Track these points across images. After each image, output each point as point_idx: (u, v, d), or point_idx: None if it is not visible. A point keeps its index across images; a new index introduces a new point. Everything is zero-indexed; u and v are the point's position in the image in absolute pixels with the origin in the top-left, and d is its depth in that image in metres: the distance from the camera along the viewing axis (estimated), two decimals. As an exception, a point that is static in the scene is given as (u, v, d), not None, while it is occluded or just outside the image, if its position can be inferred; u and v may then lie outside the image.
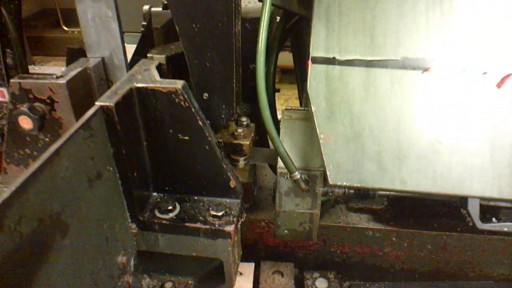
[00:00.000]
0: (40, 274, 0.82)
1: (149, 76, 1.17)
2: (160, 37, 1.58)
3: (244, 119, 1.36)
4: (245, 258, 1.80)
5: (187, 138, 1.17)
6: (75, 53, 1.45)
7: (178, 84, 1.10)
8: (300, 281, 1.84)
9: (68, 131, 0.91)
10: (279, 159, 1.26)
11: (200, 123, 1.14)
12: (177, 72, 1.34)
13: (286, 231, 1.37)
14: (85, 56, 1.42)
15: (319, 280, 1.80)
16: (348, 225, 1.78)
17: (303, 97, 1.63)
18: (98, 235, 1.04)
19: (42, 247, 0.82)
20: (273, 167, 1.72)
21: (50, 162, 0.83)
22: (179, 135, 1.16)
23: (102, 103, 1.02)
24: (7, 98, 1.39)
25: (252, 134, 1.34)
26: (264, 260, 1.90)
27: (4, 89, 1.38)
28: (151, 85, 1.11)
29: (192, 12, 1.14)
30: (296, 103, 4.67)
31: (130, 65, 1.37)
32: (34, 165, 0.79)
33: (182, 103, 1.11)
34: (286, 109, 1.36)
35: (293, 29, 1.63)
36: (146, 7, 3.50)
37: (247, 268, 1.85)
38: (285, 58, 1.94)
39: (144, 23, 3.45)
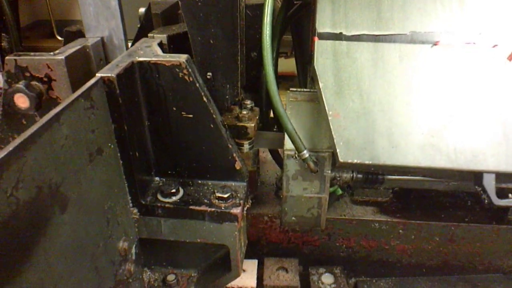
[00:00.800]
0: (37, 249, 0.75)
1: (151, 51, 1.13)
2: (160, 23, 1.54)
3: (248, 102, 1.32)
4: (247, 255, 1.74)
5: (191, 116, 1.12)
6: (73, 36, 1.40)
7: (182, 57, 1.06)
8: (305, 277, 1.78)
9: (68, 98, 0.86)
10: (285, 141, 1.22)
11: (205, 99, 1.09)
12: (179, 52, 1.30)
13: (293, 218, 1.31)
14: (82, 36, 1.38)
15: (325, 276, 1.74)
16: (353, 217, 1.72)
17: (306, 83, 1.59)
18: (99, 216, 0.98)
19: (40, 218, 0.76)
20: (276, 157, 1.67)
21: (49, 126, 0.78)
22: (182, 113, 1.12)
23: (103, 74, 0.98)
24: (2, 83, 1.33)
25: (257, 117, 1.30)
26: (267, 256, 1.83)
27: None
28: (153, 59, 1.07)
29: (195, -13, 1.11)
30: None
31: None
32: (33, 127, 0.74)
33: (186, 77, 1.07)
34: (291, 90, 1.32)
35: (294, 16, 1.61)
36: (141, 10, 3.48)
37: (250, 265, 1.79)
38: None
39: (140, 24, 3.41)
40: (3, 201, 0.66)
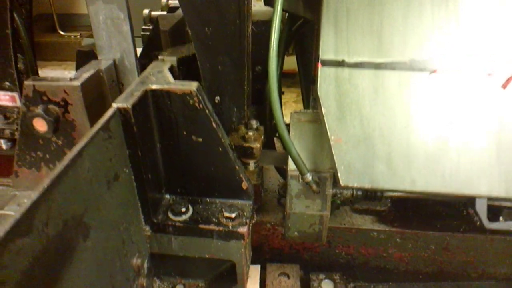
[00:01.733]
0: (65, 276, 0.82)
1: (163, 78, 1.18)
2: (168, 40, 1.59)
3: (253, 122, 1.37)
4: (251, 260, 1.81)
5: (200, 139, 1.18)
6: (85, 55, 1.45)
7: (193, 86, 1.12)
8: (306, 282, 1.86)
9: (88, 132, 0.92)
10: (289, 162, 1.28)
11: (214, 124, 1.15)
12: (188, 74, 1.36)
13: (296, 233, 1.38)
14: (95, 58, 1.44)
15: (325, 282, 1.81)
16: (353, 226, 1.80)
17: (309, 99, 1.65)
18: (116, 237, 1.05)
19: (66, 248, 0.82)
20: (280, 170, 1.74)
21: (73, 163, 0.84)
22: (192, 136, 1.18)
23: (119, 105, 1.04)
24: (18, 103, 1.39)
25: (262, 137, 1.36)
26: (270, 262, 1.91)
27: (15, 94, 1.38)
28: (165, 86, 1.12)
29: (204, 15, 1.16)
30: (294, 107, 4.70)
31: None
32: (59, 167, 0.80)
33: (197, 104, 1.12)
34: (294, 112, 1.38)
35: (298, 32, 1.66)
36: (146, 11, 3.51)
37: (253, 270, 1.86)
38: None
39: (144, 26, 3.46)
40: (36, 238, 0.73)
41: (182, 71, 1.35)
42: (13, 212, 1.32)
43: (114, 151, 1.02)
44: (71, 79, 1.19)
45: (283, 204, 1.86)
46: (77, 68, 1.53)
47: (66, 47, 5.40)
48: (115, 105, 1.04)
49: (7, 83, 1.37)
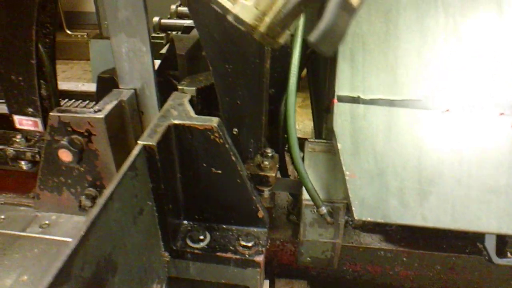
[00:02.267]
0: (95, 312, 0.87)
1: (184, 112, 1.22)
2: (184, 63, 1.63)
3: (269, 150, 1.41)
4: (259, 275, 1.87)
5: (220, 171, 1.22)
6: (105, 82, 1.49)
7: (214, 122, 1.16)
8: (313, 298, 1.91)
9: (117, 174, 0.96)
10: (303, 192, 1.32)
11: (233, 158, 1.19)
12: (206, 103, 1.40)
13: (308, 259, 1.43)
14: (115, 84, 1.48)
15: (332, 298, 1.87)
16: (360, 245, 1.85)
17: (320, 124, 1.69)
18: (139, 268, 1.10)
19: (98, 287, 0.87)
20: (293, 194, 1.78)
21: (105, 207, 0.88)
22: (212, 169, 1.22)
23: (144, 143, 1.08)
24: (40, 128, 1.44)
25: (277, 165, 1.40)
26: (278, 277, 1.97)
27: (38, 120, 1.42)
28: (187, 122, 1.16)
29: (225, 54, 1.20)
30: (299, 112, 4.73)
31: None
32: (93, 212, 0.85)
33: (217, 139, 1.17)
34: (309, 141, 1.42)
35: (310, 57, 1.69)
36: (156, 19, 3.53)
37: (263, 286, 1.92)
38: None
39: (154, 34, 3.47)
40: (73, 283, 0.78)
41: (201, 99, 1.39)
42: (35, 234, 1.37)
43: (139, 187, 1.07)
44: (95, 111, 1.23)
45: (292, 221, 1.91)
46: (97, 94, 1.58)
47: (73, 46, 5.43)
48: (140, 143, 1.08)
49: (30, 109, 1.42)
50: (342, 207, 1.32)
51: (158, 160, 1.10)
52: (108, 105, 1.27)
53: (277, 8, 0.60)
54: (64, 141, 1.20)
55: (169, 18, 3.53)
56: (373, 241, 1.89)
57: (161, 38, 3.35)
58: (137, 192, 1.05)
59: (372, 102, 1.25)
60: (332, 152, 1.38)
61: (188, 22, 3.17)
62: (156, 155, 1.09)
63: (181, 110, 1.23)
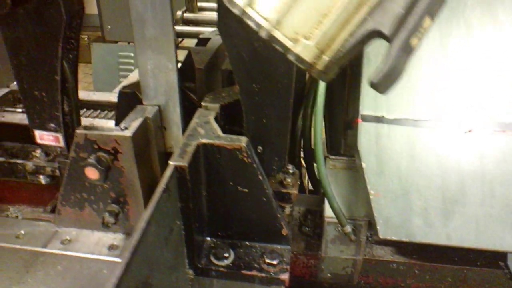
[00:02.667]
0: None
1: (212, 130, 1.23)
2: (203, 77, 1.64)
3: (290, 167, 1.43)
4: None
5: (246, 190, 1.23)
6: (127, 97, 1.49)
7: (243, 141, 1.17)
8: (326, 310, 1.92)
9: (153, 198, 0.97)
10: (326, 209, 1.34)
11: (260, 177, 1.20)
12: (228, 120, 1.41)
13: (328, 275, 1.45)
14: (136, 99, 1.48)
15: (345, 310, 1.89)
16: (373, 258, 1.86)
17: (332, 138, 1.70)
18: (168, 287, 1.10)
19: (136, 312, 0.88)
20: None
21: (144, 233, 0.89)
22: (238, 187, 1.23)
23: (176, 163, 1.09)
24: (61, 143, 1.43)
25: (298, 182, 1.42)
26: (291, 289, 1.98)
27: (59, 135, 1.42)
28: (216, 141, 1.17)
29: (253, 73, 1.21)
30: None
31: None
32: (134, 238, 0.85)
33: (245, 159, 1.17)
34: (329, 157, 1.43)
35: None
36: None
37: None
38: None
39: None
40: (117, 312, 0.78)
41: (224, 116, 1.39)
42: (57, 251, 1.36)
43: (171, 207, 1.07)
44: (122, 129, 1.23)
45: (304, 233, 1.93)
46: (118, 109, 1.57)
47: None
48: (172, 164, 1.08)
49: (52, 125, 1.41)
50: (364, 225, 1.34)
51: (188, 180, 1.11)
52: (134, 122, 1.27)
53: (336, 47, 0.61)
54: (91, 159, 1.20)
55: (174, 24, 3.53)
56: (385, 253, 1.90)
57: (182, 62, 3.36)
58: (169, 212, 1.06)
59: (396, 121, 1.27)
60: (353, 169, 1.40)
61: (195, 29, 3.18)
62: (187, 176, 1.10)
63: (208, 129, 1.24)
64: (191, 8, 3.76)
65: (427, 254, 1.88)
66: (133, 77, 2.67)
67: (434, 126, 1.26)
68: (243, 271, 1.26)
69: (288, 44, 0.60)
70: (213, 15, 3.59)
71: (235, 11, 0.61)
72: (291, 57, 0.61)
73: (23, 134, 2.02)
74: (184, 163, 1.09)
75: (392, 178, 1.24)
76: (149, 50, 1.27)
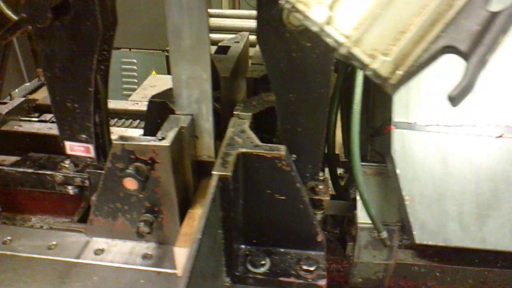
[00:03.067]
0: None
1: (249, 139, 1.24)
2: (228, 85, 1.65)
3: (320, 173, 1.44)
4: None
5: (283, 198, 1.24)
6: (157, 107, 1.50)
7: (282, 150, 1.18)
8: (348, 314, 1.94)
9: (204, 208, 0.98)
10: (358, 215, 1.36)
11: (298, 185, 1.22)
12: (260, 128, 1.42)
13: (360, 279, 1.46)
14: (166, 109, 1.49)
15: (368, 314, 1.90)
16: (395, 261, 1.89)
17: (349, 143, 1.72)
18: (211, 297, 1.11)
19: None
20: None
21: (200, 244, 0.89)
22: (276, 195, 1.24)
23: (220, 173, 1.09)
24: (92, 154, 1.43)
25: (329, 189, 1.43)
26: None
27: (90, 146, 1.41)
28: (255, 150, 1.18)
29: (290, 83, 1.22)
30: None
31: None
32: (192, 254, 0.86)
33: (284, 167, 1.19)
34: (361, 165, 1.45)
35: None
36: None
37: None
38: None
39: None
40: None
41: (255, 124, 1.41)
42: (91, 261, 1.36)
43: (215, 217, 1.08)
44: (159, 139, 1.24)
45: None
46: (147, 118, 1.58)
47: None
48: (216, 174, 1.09)
49: (84, 136, 1.41)
50: (396, 229, 1.36)
51: (231, 190, 1.12)
52: (170, 132, 1.27)
53: (410, 62, 0.63)
54: (131, 170, 1.20)
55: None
56: (406, 257, 1.93)
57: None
58: (214, 222, 1.07)
59: (428, 128, 1.29)
60: (383, 175, 1.42)
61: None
62: (231, 185, 1.11)
63: (245, 138, 1.25)
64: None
65: (447, 256, 1.90)
66: (147, 85, 2.68)
67: (466, 131, 1.29)
68: (281, 278, 1.27)
69: (366, 60, 0.62)
70: (222, 22, 3.61)
71: (314, 28, 0.62)
72: (368, 73, 0.63)
73: (43, 144, 2.02)
74: (228, 172, 1.10)
75: (426, 184, 1.27)
76: (184, 60, 1.28)
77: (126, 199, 1.33)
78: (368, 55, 0.62)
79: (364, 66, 0.62)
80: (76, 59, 1.27)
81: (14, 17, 1.27)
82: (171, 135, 1.26)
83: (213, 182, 1.06)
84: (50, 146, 2.04)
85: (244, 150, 1.18)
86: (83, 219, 1.71)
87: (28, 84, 4.60)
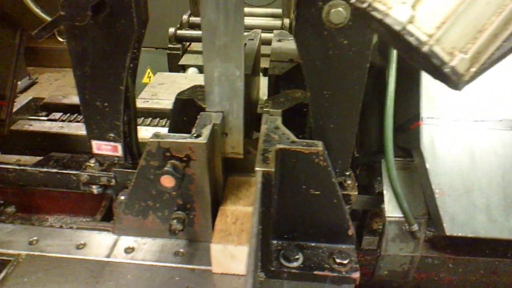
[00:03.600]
0: None
1: (285, 136, 1.26)
2: (248, 82, 1.65)
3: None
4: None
5: (318, 193, 1.26)
6: (184, 104, 1.49)
7: (319, 146, 1.20)
8: (365, 306, 1.98)
9: (255, 203, 0.99)
10: (387, 209, 1.39)
11: (334, 180, 1.24)
12: (287, 123, 1.43)
13: (386, 272, 1.50)
14: (193, 105, 1.49)
15: (383, 306, 1.95)
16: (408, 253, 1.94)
17: (364, 139, 1.76)
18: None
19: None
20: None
21: (257, 240, 0.91)
22: (311, 190, 1.26)
23: (263, 169, 1.11)
24: (119, 153, 1.42)
25: (356, 184, 1.46)
26: (328, 287, 2.02)
27: (118, 145, 1.40)
28: (293, 146, 1.20)
29: (326, 80, 1.24)
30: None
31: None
32: (252, 243, 0.87)
33: (321, 162, 1.21)
34: (384, 160, 1.49)
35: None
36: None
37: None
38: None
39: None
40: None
41: (283, 121, 1.42)
42: (123, 260, 1.35)
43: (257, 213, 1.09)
44: (195, 136, 1.24)
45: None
46: (173, 116, 1.57)
47: (65, 54, 5.25)
48: (259, 170, 1.10)
49: (112, 135, 1.39)
50: (423, 222, 1.40)
51: (273, 185, 1.13)
52: (204, 129, 1.27)
53: (483, 60, 0.65)
54: (168, 167, 1.20)
55: (179, 28, 3.52)
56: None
57: (178, 49, 3.35)
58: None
59: (455, 122, 1.33)
60: (407, 170, 1.45)
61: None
62: (273, 181, 1.12)
63: (281, 134, 1.27)
64: (196, 12, 3.76)
65: (459, 248, 1.96)
66: (155, 82, 2.66)
67: (492, 126, 1.33)
68: (315, 272, 1.29)
69: (446, 58, 0.64)
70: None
71: (396, 27, 0.64)
72: (446, 70, 0.65)
73: (55, 143, 1.99)
74: (271, 168, 1.11)
75: (454, 177, 1.31)
76: (217, 58, 1.28)
77: (158, 197, 1.33)
78: (447, 53, 0.64)
79: (443, 64, 0.65)
80: (109, 57, 1.25)
81: (43, 15, 1.26)
82: (206, 132, 1.27)
83: (258, 178, 1.08)
84: (63, 145, 2.02)
85: (282, 146, 1.20)
86: (105, 218, 1.69)
87: (19, 82, 4.49)
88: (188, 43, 3.54)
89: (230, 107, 1.37)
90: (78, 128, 2.03)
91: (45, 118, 2.15)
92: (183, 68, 3.20)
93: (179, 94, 1.52)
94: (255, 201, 1.00)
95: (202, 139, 1.23)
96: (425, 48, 0.64)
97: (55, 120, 2.13)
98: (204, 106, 1.43)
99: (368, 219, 1.64)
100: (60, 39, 5.04)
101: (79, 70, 1.28)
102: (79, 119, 2.16)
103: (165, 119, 2.22)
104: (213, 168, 1.36)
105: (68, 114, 2.18)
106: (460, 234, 1.28)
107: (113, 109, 1.34)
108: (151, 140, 1.23)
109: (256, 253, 0.86)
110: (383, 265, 1.49)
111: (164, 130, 2.08)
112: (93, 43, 1.24)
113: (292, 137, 1.25)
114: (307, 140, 1.23)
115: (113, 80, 1.29)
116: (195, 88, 1.54)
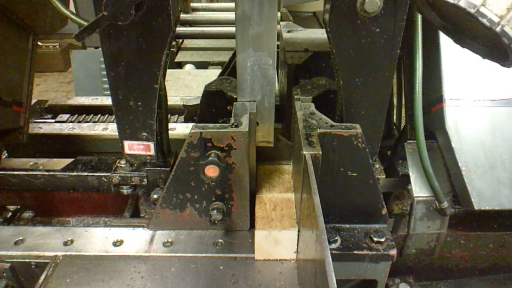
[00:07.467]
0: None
1: (323, 120, 1.30)
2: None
3: (374, 153, 1.52)
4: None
5: (355, 174, 1.31)
6: (212, 95, 1.50)
7: (358, 128, 1.25)
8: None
9: (312, 190, 1.02)
10: (413, 189, 1.46)
11: (370, 161, 1.29)
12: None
13: (413, 250, 1.56)
14: (221, 96, 1.50)
15: (402, 285, 2.02)
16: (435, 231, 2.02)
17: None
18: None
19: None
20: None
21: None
22: (348, 172, 1.31)
23: (311, 153, 1.14)
24: (152, 151, 1.41)
25: (382, 168, 1.52)
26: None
27: (151, 144, 1.39)
28: (333, 130, 1.24)
29: (358, 68, 1.29)
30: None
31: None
32: (320, 226, 0.90)
33: (359, 144, 1.25)
34: (408, 142, 1.55)
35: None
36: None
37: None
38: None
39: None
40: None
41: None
42: (164, 254, 1.36)
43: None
44: (235, 126, 1.26)
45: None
46: (201, 107, 1.58)
47: (46, 58, 5.10)
48: (307, 153, 1.14)
49: (145, 134, 1.38)
50: (448, 200, 1.47)
51: (319, 168, 1.17)
52: (243, 118, 1.29)
53: None
54: (213, 157, 1.21)
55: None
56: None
57: (173, 46, 3.32)
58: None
59: (476, 102, 1.41)
60: (431, 151, 1.52)
61: (195, 29, 3.18)
62: (320, 163, 1.16)
63: (318, 119, 1.31)
64: (186, 8, 3.74)
65: (469, 224, 2.06)
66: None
67: (510, 103, 1.42)
68: (355, 251, 1.33)
69: None
70: (207, 15, 3.61)
71: (471, 10, 0.69)
72: None
73: (67, 144, 1.95)
74: (318, 151, 1.15)
75: (478, 154, 1.38)
76: (250, 47, 1.31)
77: (197, 188, 1.34)
78: None
79: (511, 41, 0.70)
80: (144, 56, 1.25)
81: (72, 17, 1.24)
82: (245, 121, 1.29)
83: (309, 162, 1.11)
84: (76, 146, 1.98)
85: (322, 130, 1.24)
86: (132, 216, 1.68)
87: None
88: (181, 40, 3.52)
89: (262, 96, 1.40)
90: (89, 129, 1.99)
91: (53, 120, 2.10)
92: (180, 65, 3.18)
93: (207, 86, 1.53)
94: (303, 185, 1.03)
95: (243, 128, 1.25)
96: (497, 28, 0.69)
97: (64, 121, 2.08)
98: (234, 96, 1.45)
99: (391, 201, 1.70)
100: (39, 43, 4.83)
101: (113, 71, 1.28)
102: (88, 120, 2.13)
103: (176, 115, 2.21)
104: (249, 156, 1.38)
105: (76, 115, 2.14)
106: (488, 208, 1.35)
107: (146, 108, 1.34)
108: (192, 131, 1.24)
109: (324, 232, 0.89)
110: (411, 244, 1.55)
111: (177, 126, 2.08)
112: (129, 42, 1.23)
113: (330, 121, 1.29)
114: (345, 124, 1.27)
115: (147, 79, 1.29)
116: (222, 80, 1.55)
